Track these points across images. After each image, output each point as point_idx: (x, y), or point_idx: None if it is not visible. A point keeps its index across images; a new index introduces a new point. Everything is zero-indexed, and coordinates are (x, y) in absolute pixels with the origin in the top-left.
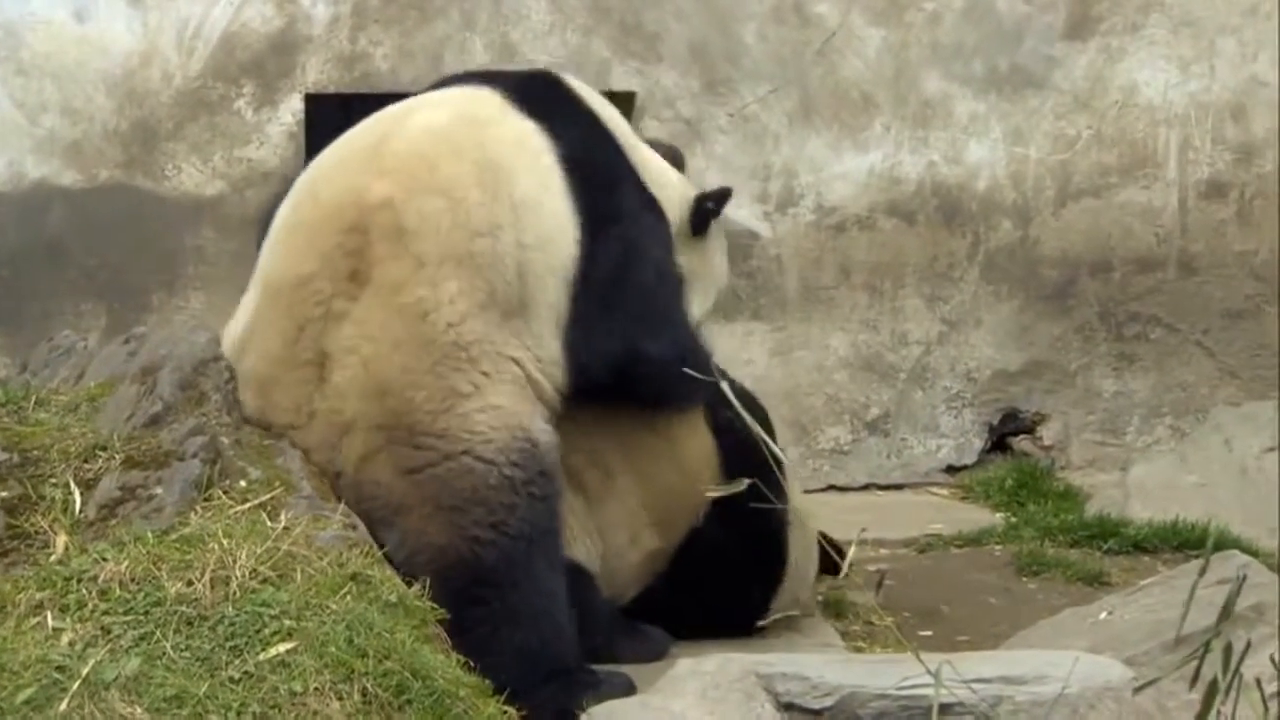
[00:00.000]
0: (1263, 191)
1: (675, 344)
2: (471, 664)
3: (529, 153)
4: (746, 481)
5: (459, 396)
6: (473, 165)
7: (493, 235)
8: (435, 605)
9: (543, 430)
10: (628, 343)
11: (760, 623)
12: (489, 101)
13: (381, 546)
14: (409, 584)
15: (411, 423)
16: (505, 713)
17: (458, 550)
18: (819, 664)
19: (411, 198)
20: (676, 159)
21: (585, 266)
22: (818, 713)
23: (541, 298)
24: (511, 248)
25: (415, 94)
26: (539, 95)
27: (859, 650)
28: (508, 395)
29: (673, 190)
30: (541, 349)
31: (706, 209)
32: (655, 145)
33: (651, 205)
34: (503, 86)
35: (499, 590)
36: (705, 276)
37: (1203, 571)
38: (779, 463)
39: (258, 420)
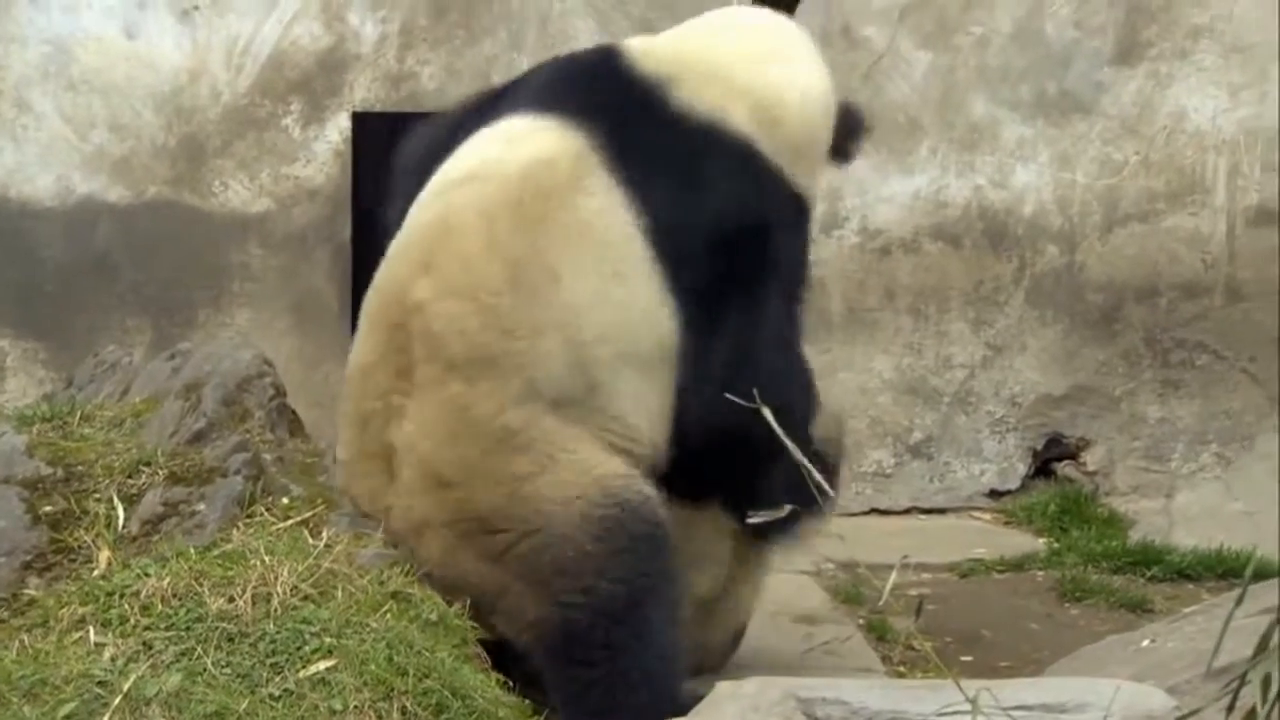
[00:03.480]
0: None
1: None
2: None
3: (593, 240)
4: (789, 508)
5: (519, 480)
6: (511, 266)
7: (531, 339)
8: (550, 679)
9: (630, 487)
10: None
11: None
12: (564, 156)
13: (494, 632)
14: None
15: (480, 513)
16: None
17: (552, 620)
18: (859, 688)
19: (439, 299)
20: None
21: (693, 343)
22: None
23: (620, 386)
24: (559, 346)
25: (499, 97)
26: (631, 127)
27: (900, 675)
28: (573, 469)
29: (818, 128)
30: (626, 428)
31: (855, 134)
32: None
33: (781, 218)
34: (589, 123)
35: (605, 653)
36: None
37: (1240, 600)
38: (823, 492)
39: (353, 503)
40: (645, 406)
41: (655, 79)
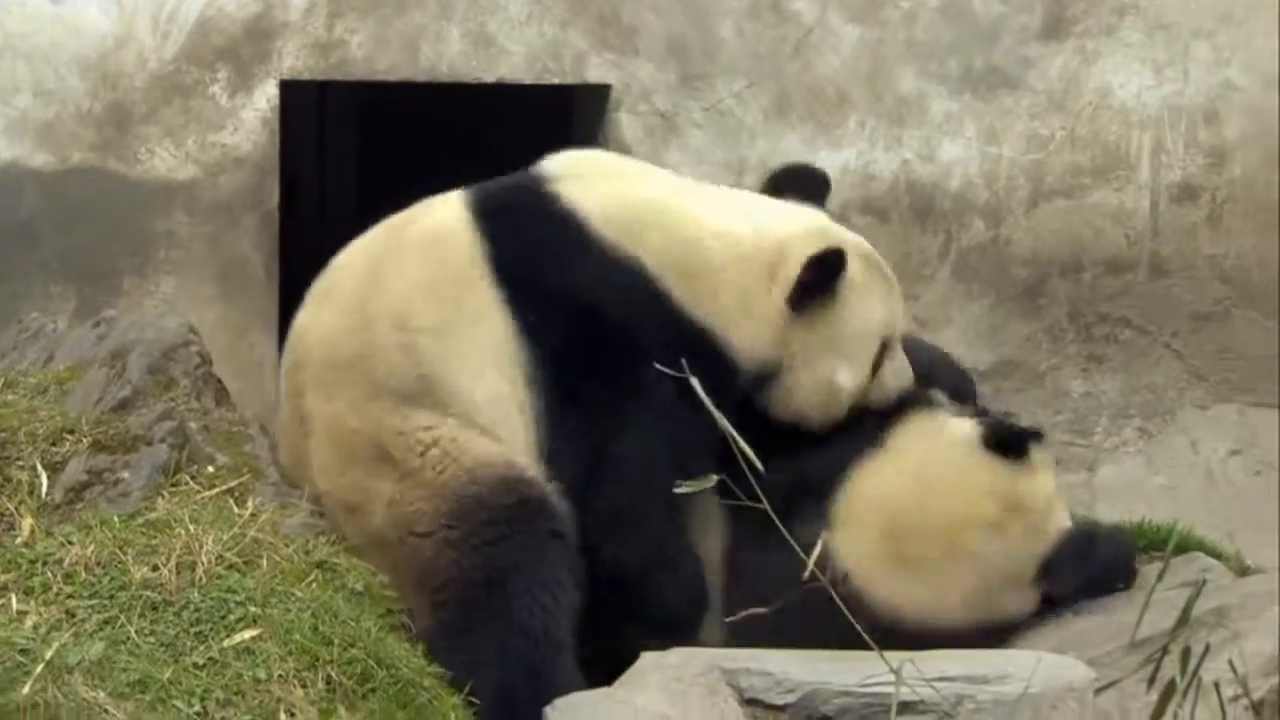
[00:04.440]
0: (1233, 196)
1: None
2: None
3: (439, 245)
4: (715, 478)
5: (394, 485)
6: (359, 275)
7: (366, 329)
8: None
9: (499, 464)
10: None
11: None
12: (451, 215)
13: None
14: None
15: (376, 529)
16: (469, 704)
17: (431, 626)
18: (783, 660)
19: (310, 328)
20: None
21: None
22: (780, 708)
23: (461, 381)
24: (390, 331)
25: None
26: (502, 203)
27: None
28: (440, 460)
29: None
30: (481, 415)
31: (814, 283)
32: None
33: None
34: (476, 202)
35: (467, 639)
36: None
37: (1162, 574)
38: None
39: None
40: (502, 404)
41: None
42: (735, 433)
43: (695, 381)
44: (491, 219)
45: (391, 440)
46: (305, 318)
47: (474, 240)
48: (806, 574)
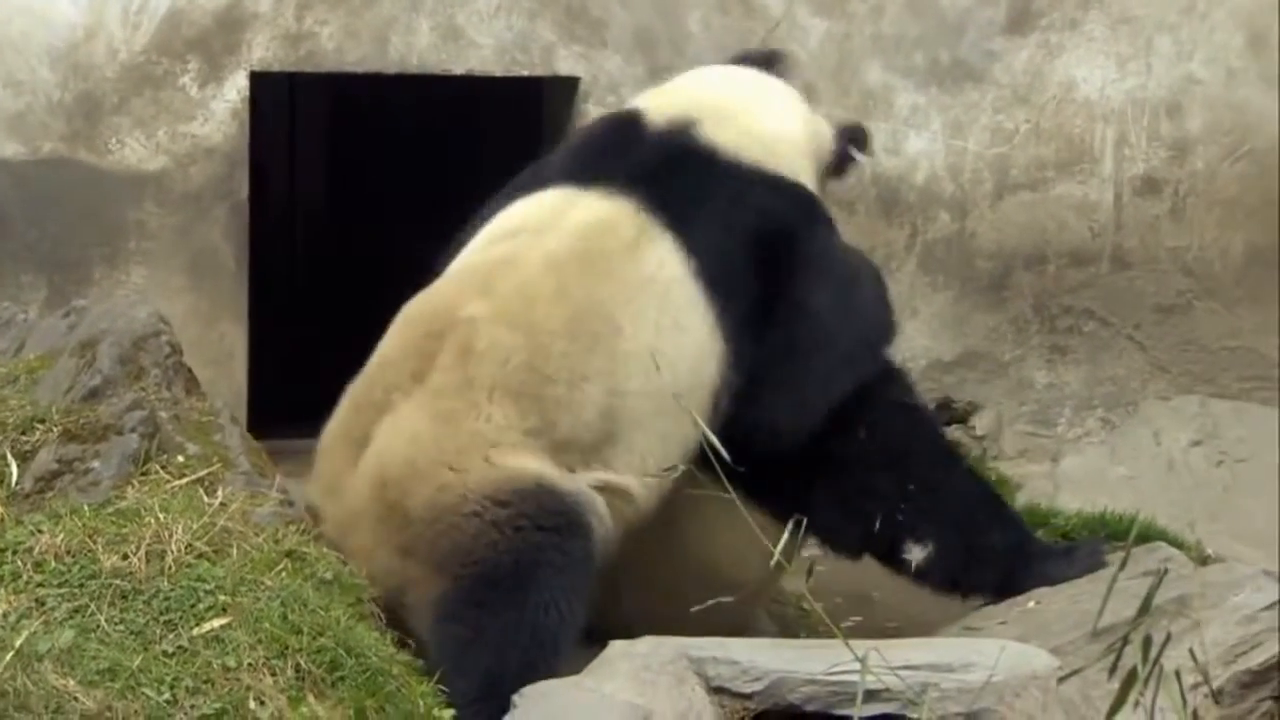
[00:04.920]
0: (1195, 189)
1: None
2: (438, 674)
3: (653, 293)
4: (681, 467)
5: (450, 477)
6: (574, 314)
7: (571, 385)
8: (431, 642)
9: (570, 482)
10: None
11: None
12: (621, 216)
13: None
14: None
15: (406, 509)
16: (437, 692)
17: (443, 591)
18: (749, 648)
19: (493, 324)
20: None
21: (738, 367)
22: (747, 696)
23: (636, 438)
24: (600, 395)
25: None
26: (685, 192)
27: (790, 635)
28: (501, 471)
29: (811, 153)
30: (633, 468)
31: (847, 153)
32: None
33: (805, 219)
34: (645, 190)
35: (475, 611)
36: None
37: (1123, 564)
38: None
39: (314, 481)
40: (653, 461)
41: (676, 133)
42: (706, 426)
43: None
44: (670, 216)
45: (493, 455)
46: (468, 302)
47: (671, 254)
48: (773, 562)
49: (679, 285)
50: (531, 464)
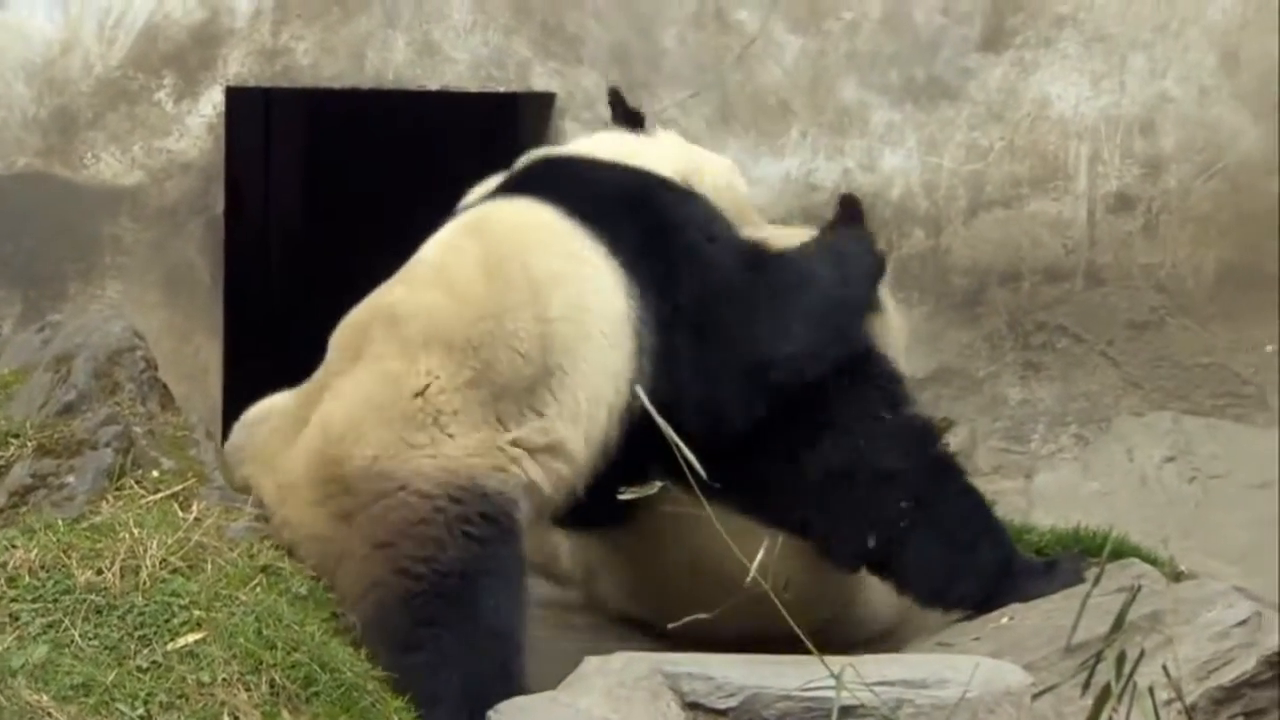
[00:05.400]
0: (1169, 206)
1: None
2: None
3: (567, 254)
4: (659, 484)
5: (410, 448)
6: (487, 264)
7: (498, 318)
8: (379, 654)
9: (501, 483)
10: (749, 362)
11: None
12: (545, 216)
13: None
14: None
15: (348, 472)
16: (411, 708)
17: (390, 586)
18: (724, 664)
19: (413, 294)
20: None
21: (658, 313)
22: (722, 712)
23: (579, 368)
24: (529, 322)
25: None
26: (596, 197)
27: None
28: (465, 449)
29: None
30: (547, 435)
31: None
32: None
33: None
34: (561, 198)
35: (430, 631)
36: None
37: (1097, 580)
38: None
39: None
40: (586, 405)
41: (585, 161)
42: (679, 439)
43: (640, 391)
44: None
45: (453, 420)
46: (389, 292)
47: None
48: (749, 579)
49: (591, 252)
50: (472, 459)
